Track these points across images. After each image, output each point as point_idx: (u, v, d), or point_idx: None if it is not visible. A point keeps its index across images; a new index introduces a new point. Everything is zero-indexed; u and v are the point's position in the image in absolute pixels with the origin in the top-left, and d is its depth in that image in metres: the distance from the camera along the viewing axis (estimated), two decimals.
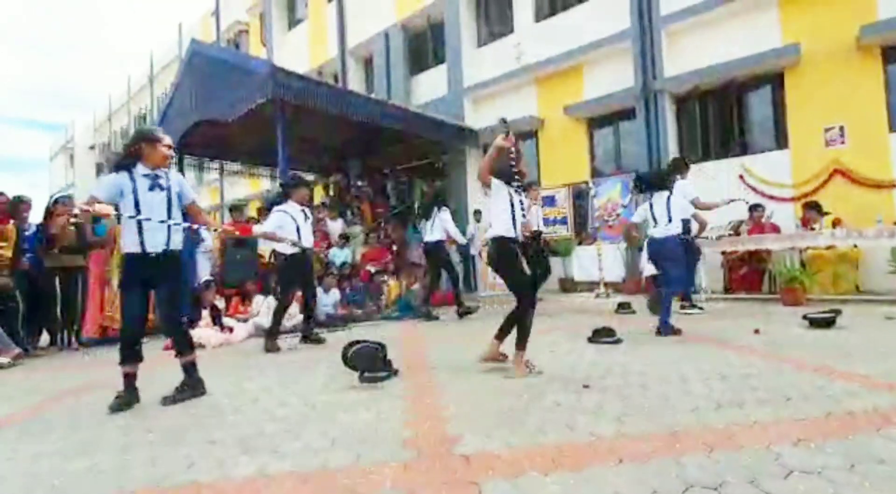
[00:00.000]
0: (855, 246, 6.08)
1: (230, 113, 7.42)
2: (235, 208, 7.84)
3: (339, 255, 8.00)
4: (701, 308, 5.55)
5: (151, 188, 2.87)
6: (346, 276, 7.54)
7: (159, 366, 4.27)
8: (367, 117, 8.28)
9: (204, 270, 6.64)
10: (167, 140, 2.96)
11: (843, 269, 6.26)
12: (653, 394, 2.55)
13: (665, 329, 4.23)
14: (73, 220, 5.15)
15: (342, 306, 6.68)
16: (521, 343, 3.12)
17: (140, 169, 2.88)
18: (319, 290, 6.36)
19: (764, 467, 1.64)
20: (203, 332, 5.31)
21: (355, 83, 13.39)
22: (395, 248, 9.09)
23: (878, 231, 5.69)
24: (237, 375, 3.55)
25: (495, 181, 3.15)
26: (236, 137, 9.29)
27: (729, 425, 2.05)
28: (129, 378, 2.92)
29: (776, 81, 7.63)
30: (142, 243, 2.82)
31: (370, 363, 3.05)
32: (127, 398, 2.85)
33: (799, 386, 2.54)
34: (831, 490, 1.46)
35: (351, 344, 3.18)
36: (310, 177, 12.66)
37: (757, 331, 4.17)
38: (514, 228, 3.15)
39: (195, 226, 3.21)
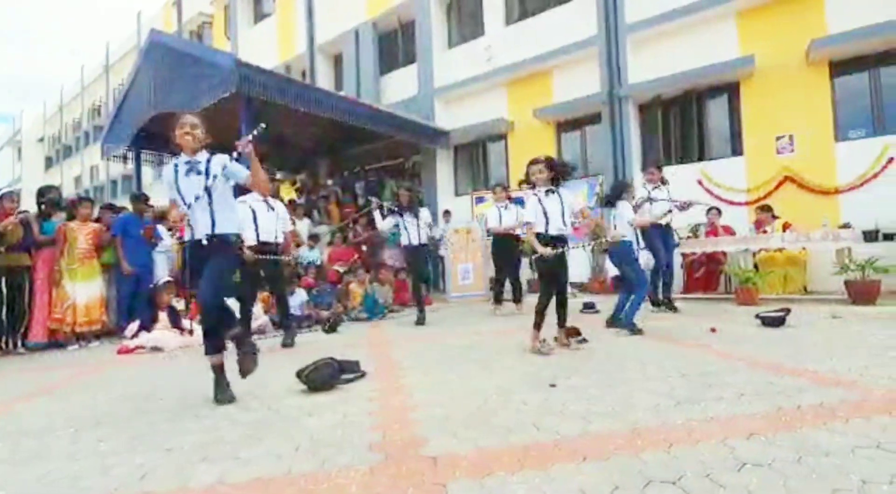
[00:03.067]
0: (803, 248, 6.43)
1: (191, 107, 7.17)
2: None
3: (308, 256, 7.86)
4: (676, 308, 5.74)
5: (188, 173, 2.84)
6: (314, 276, 7.40)
7: (111, 368, 4.09)
8: (336, 115, 8.17)
9: (163, 270, 6.38)
10: (183, 121, 2.84)
11: (792, 270, 6.61)
12: (616, 393, 2.62)
13: (630, 326, 4.42)
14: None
15: (308, 307, 6.56)
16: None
17: (182, 157, 2.87)
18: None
19: (719, 461, 1.70)
20: (161, 334, 5.11)
21: (324, 80, 13.18)
22: (364, 248, 8.99)
23: (824, 234, 6.04)
24: (196, 379, 3.43)
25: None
26: None
27: (687, 421, 2.12)
28: (217, 369, 2.85)
29: (733, 90, 7.98)
30: (192, 231, 2.80)
31: (331, 378, 2.99)
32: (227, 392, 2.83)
33: (752, 382, 2.66)
34: (781, 482, 1.54)
35: (302, 371, 3.03)
36: (276, 175, 12.41)
37: (713, 330, 4.34)
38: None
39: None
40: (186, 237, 2.90)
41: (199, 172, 2.82)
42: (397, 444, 2.01)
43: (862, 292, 5.45)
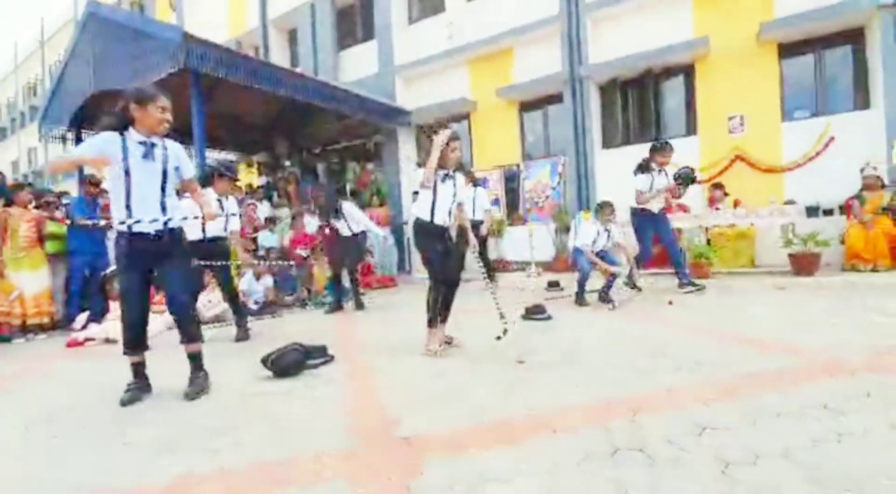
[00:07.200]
0: (751, 224, 6.76)
1: (134, 84, 6.70)
2: None
3: (269, 239, 7.63)
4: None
5: (145, 157, 2.52)
6: (277, 260, 7.20)
7: (61, 362, 3.87)
8: (291, 93, 7.85)
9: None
10: (161, 101, 2.55)
11: (741, 245, 6.95)
12: (582, 367, 2.70)
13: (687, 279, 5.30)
14: None
15: (272, 293, 6.38)
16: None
17: (133, 135, 2.52)
18: (251, 278, 6.07)
19: (680, 427, 1.79)
20: (113, 326, 4.85)
21: (279, 56, 12.62)
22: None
23: (771, 211, 6.37)
24: (155, 370, 3.29)
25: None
26: None
27: (650, 391, 2.21)
28: (138, 367, 2.76)
29: (688, 71, 8.18)
30: (129, 221, 2.50)
31: (297, 364, 2.94)
32: (137, 389, 2.70)
33: (707, 352, 2.80)
34: (739, 443, 1.63)
35: (267, 357, 2.95)
36: (231, 156, 11.90)
37: (670, 302, 4.54)
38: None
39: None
40: (117, 223, 2.54)
41: (154, 159, 2.56)
42: (371, 427, 2.00)
43: (804, 265, 5.80)
